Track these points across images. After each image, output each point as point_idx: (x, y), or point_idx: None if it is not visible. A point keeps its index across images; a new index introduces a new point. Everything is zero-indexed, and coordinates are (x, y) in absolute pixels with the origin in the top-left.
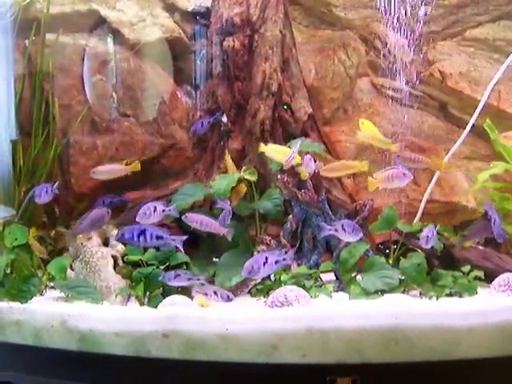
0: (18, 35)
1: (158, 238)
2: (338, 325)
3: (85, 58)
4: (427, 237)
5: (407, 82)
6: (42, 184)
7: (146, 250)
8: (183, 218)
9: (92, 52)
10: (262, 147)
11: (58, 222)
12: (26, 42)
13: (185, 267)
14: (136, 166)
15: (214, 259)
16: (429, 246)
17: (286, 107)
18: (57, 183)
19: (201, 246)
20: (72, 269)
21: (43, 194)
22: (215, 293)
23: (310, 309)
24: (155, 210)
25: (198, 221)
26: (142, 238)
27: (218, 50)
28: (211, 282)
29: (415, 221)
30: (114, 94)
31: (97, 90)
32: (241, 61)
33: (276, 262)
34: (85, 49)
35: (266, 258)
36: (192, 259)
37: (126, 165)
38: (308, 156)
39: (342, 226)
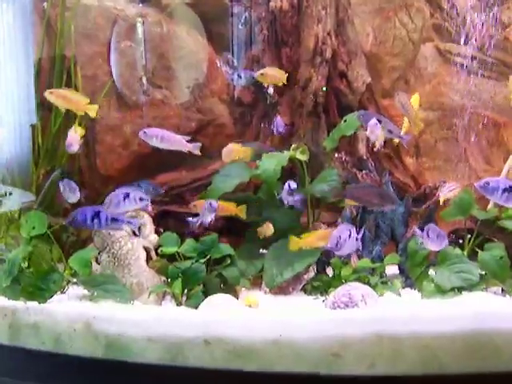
0: None
1: (113, 220)
2: (411, 329)
3: (111, 22)
4: None
5: (478, 48)
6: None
7: (183, 240)
8: (141, 134)
9: (119, 15)
10: None
11: None
12: (45, 4)
13: (229, 261)
14: (93, 109)
15: (262, 251)
16: None
17: (325, 89)
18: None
19: (246, 236)
20: (98, 262)
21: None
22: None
23: (378, 310)
24: (127, 197)
25: (159, 136)
26: (96, 221)
27: (262, 11)
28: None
29: (489, 206)
30: (144, 62)
31: (125, 59)
32: (289, 23)
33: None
34: (111, 11)
35: (350, 232)
36: (236, 251)
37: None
38: (374, 121)
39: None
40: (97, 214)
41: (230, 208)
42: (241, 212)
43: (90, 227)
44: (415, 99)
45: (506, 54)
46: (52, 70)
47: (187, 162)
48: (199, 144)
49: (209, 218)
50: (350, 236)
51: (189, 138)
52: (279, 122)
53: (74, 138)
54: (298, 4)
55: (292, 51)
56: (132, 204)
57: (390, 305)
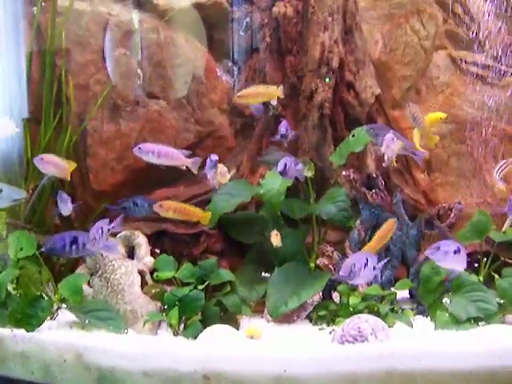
0: (26, 1)
1: None
2: (424, 366)
3: (105, 29)
4: None
5: (494, 56)
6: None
7: (180, 263)
8: (135, 150)
9: (114, 21)
10: None
11: (74, 226)
12: (34, 9)
13: (229, 287)
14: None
15: (264, 274)
16: None
17: (327, 80)
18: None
19: (248, 258)
20: (90, 285)
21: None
22: None
23: (389, 345)
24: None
25: (155, 152)
26: (74, 247)
27: (265, 17)
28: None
29: (505, 226)
30: (140, 71)
31: (120, 67)
32: (294, 30)
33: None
34: (105, 17)
35: (367, 260)
36: (237, 274)
37: None
38: (390, 135)
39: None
40: (75, 240)
41: (196, 213)
42: (205, 219)
43: (68, 254)
44: (436, 117)
45: None
46: (42, 79)
47: (186, 176)
48: (199, 159)
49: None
50: (366, 265)
51: (188, 152)
52: (284, 125)
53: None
54: (303, 10)
55: (296, 60)
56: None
57: (401, 338)
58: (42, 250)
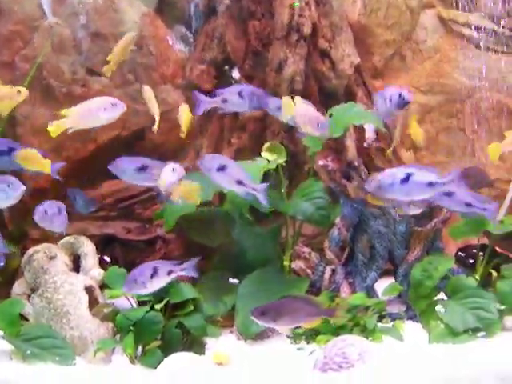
0: None
1: None
2: None
3: None
4: None
5: (490, 17)
6: None
7: None
8: None
9: None
10: None
11: (8, 230)
12: None
13: (192, 306)
14: None
15: (231, 280)
16: None
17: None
18: None
19: (212, 263)
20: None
21: None
22: None
23: (375, 369)
24: None
25: None
26: None
27: None
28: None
29: (500, 213)
30: (76, 43)
31: (51, 39)
32: None
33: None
34: None
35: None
36: (199, 283)
37: None
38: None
39: None
40: None
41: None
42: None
43: None
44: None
45: None
46: None
47: None
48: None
49: None
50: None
51: None
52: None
53: None
54: None
55: (261, 25)
56: None
57: (391, 357)
58: None
